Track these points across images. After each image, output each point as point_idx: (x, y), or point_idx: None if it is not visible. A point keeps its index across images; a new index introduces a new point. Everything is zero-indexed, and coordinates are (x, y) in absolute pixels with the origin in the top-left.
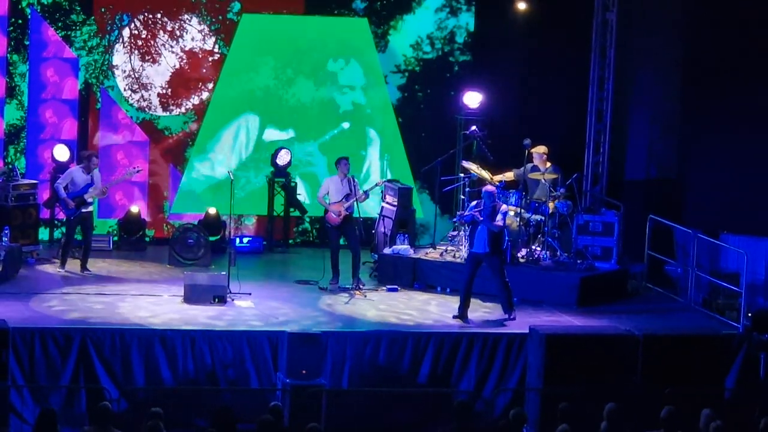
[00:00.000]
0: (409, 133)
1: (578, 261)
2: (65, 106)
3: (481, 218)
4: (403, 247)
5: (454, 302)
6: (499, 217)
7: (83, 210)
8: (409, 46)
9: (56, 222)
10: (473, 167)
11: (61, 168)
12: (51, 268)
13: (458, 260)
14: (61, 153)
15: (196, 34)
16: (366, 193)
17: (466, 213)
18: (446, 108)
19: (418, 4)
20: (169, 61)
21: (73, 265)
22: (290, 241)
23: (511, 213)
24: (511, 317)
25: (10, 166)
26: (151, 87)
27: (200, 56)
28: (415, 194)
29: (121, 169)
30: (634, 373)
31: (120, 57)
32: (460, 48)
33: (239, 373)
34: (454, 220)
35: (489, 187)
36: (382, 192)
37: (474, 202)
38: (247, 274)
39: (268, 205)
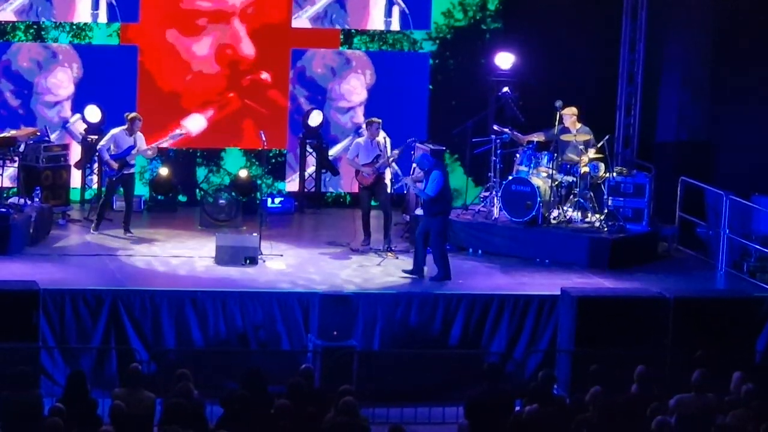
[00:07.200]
0: (440, 98)
1: (609, 223)
2: None
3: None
4: None
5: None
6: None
7: (125, 172)
8: (441, 14)
9: (88, 185)
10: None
11: (93, 129)
12: (82, 230)
13: (490, 221)
14: (93, 114)
15: None
16: (397, 154)
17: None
18: (477, 74)
19: None
20: None
21: (106, 226)
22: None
23: (543, 174)
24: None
25: (42, 128)
26: None
27: None
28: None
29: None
30: (665, 336)
31: None
32: (491, 15)
33: (270, 334)
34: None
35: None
36: (413, 153)
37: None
38: (278, 235)
39: (299, 167)
